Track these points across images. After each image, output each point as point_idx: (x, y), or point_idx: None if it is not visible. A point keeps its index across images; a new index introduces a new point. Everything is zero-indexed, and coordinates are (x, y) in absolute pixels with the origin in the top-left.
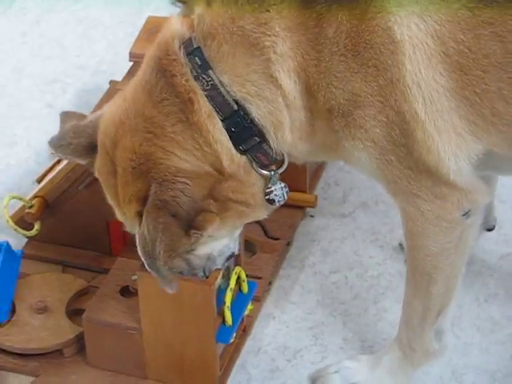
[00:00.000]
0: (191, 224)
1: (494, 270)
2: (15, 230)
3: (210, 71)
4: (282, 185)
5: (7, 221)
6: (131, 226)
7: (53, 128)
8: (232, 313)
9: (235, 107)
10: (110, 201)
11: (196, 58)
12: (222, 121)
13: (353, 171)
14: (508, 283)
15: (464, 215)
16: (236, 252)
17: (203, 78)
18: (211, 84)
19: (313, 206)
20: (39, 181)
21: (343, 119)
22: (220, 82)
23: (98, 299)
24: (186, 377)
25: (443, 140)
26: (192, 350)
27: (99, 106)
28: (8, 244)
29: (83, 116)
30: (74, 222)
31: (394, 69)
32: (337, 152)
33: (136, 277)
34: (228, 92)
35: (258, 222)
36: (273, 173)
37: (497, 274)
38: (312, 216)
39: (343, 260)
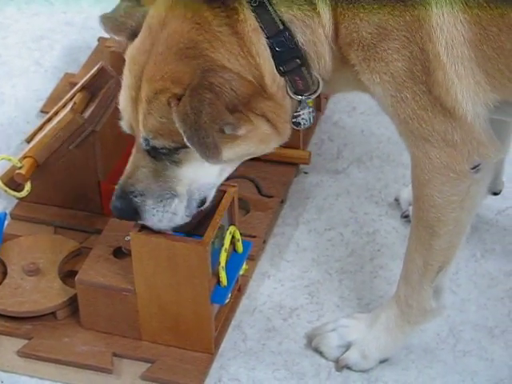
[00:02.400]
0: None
1: (491, 226)
2: (5, 191)
3: None
4: (311, 109)
5: None
6: (145, 107)
7: (41, 86)
8: (227, 273)
9: (281, 27)
10: (129, 79)
11: None
12: (266, 38)
13: (347, 126)
14: (505, 238)
15: (473, 169)
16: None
17: None
18: (259, 1)
19: (306, 163)
20: (29, 140)
21: (362, 53)
22: (269, 0)
23: (91, 261)
24: (181, 338)
25: (462, 85)
26: (187, 310)
27: (88, 63)
28: None
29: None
30: (65, 182)
31: (421, 7)
32: (354, 85)
33: (129, 238)
34: (275, 11)
35: (252, 180)
36: (304, 97)
37: (493, 229)
38: (306, 173)
39: (338, 217)
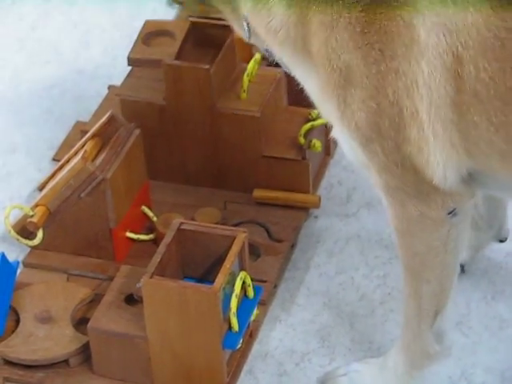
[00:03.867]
0: None
1: (501, 268)
2: (17, 239)
3: None
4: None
5: (9, 231)
6: None
7: (52, 134)
8: (238, 318)
9: None
10: None
11: None
12: None
13: (356, 170)
14: None
15: (449, 214)
16: None
17: None
18: None
19: (316, 207)
20: (40, 188)
21: (336, 89)
22: None
23: (103, 308)
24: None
25: (437, 145)
26: (199, 356)
27: (98, 111)
28: (3, 256)
29: None
30: (77, 229)
31: (404, 62)
32: None
33: (140, 284)
34: None
35: (262, 225)
36: None
37: (503, 272)
38: (316, 217)
39: (348, 260)
